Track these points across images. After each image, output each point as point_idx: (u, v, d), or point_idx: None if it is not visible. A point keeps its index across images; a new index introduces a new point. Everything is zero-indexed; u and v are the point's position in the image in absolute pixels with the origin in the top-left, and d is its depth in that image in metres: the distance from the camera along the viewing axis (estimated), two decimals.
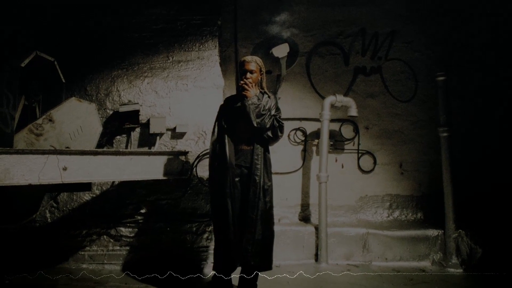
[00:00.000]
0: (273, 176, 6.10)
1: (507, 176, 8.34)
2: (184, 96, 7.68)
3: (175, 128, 7.53)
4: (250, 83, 5.79)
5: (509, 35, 8.62)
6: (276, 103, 6.01)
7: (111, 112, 7.63)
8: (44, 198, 7.37)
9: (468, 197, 8.07)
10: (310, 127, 8.59)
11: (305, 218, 8.42)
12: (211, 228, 7.28)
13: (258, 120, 5.65)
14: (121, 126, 7.52)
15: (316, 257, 7.62)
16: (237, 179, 5.78)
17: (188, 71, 7.77)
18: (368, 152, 8.67)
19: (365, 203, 8.60)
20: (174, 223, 7.38)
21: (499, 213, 8.01)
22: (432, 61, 8.74)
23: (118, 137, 7.60)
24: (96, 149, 6.44)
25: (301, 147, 8.59)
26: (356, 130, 8.66)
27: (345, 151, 8.65)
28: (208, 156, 6.46)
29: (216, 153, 5.85)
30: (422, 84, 8.78)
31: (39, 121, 6.01)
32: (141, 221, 7.41)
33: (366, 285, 6.49)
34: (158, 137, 7.49)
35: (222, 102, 6.42)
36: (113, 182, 7.47)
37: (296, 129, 8.55)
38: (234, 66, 8.54)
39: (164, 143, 7.57)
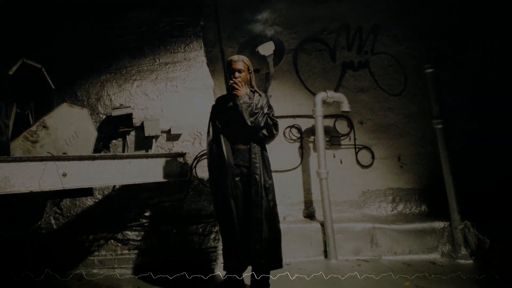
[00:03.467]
0: (273, 174, 6.34)
1: (507, 166, 8.57)
2: (175, 98, 7.94)
3: (169, 130, 7.75)
4: (240, 82, 6.05)
5: (491, 24, 8.88)
6: (268, 101, 6.28)
7: (104, 117, 7.85)
8: (47, 205, 7.53)
9: (471, 188, 8.31)
10: (304, 124, 8.89)
11: (309, 215, 8.69)
12: (217, 228, 7.49)
13: (251, 119, 5.92)
14: (116, 130, 7.74)
15: (325, 254, 7.85)
16: (237, 178, 6.03)
17: (177, 73, 8.05)
18: (365, 147, 8.98)
19: (368, 198, 8.87)
20: (180, 225, 7.57)
21: (502, 203, 8.17)
22: (419, 53, 9.13)
23: (114, 141, 7.81)
24: (94, 154, 6.64)
25: (297, 144, 8.88)
26: (351, 125, 8.99)
27: (342, 146, 8.94)
28: (206, 156, 6.70)
29: (213, 154, 6.09)
30: (411, 77, 9.16)
31: (34, 128, 6.18)
32: (147, 224, 7.61)
33: (379, 280, 6.65)
34: (154, 140, 7.74)
35: (213, 102, 6.73)
36: (114, 186, 7.68)
37: (291, 126, 8.84)
38: (221, 66, 8.86)
39: (160, 146, 7.80)
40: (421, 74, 8.47)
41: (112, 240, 7.50)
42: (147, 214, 7.63)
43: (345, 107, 8.40)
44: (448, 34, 9.10)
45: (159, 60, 8.06)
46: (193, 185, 7.69)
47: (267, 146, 6.26)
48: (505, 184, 8.46)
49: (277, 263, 5.99)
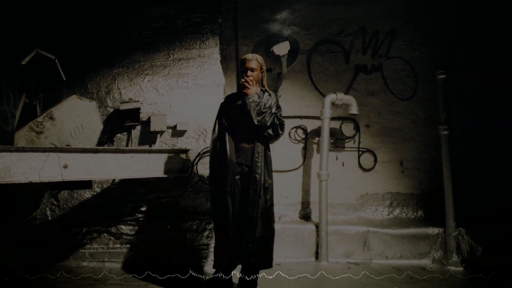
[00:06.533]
0: (274, 174, 6.13)
1: (507, 174, 8.35)
2: (184, 94, 7.71)
3: (175, 126, 7.55)
4: (251, 81, 5.81)
5: (507, 33, 8.61)
6: (277, 101, 6.04)
7: (111, 110, 7.68)
8: (44, 196, 7.40)
9: (469, 195, 8.06)
10: (310, 125, 8.60)
11: (305, 216, 8.45)
12: (211, 226, 7.30)
13: (258, 118, 5.68)
14: (121, 124, 7.57)
15: (317, 255, 7.64)
16: (237, 177, 5.81)
17: (189, 69, 7.79)
18: (368, 150, 8.67)
19: (366, 201, 8.61)
20: (175, 221, 7.39)
21: (499, 212, 7.98)
22: (432, 59, 8.72)
23: (118, 135, 7.64)
24: (97, 147, 6.47)
25: (301, 145, 8.60)
26: (357, 128, 8.67)
27: (345, 149, 8.65)
28: (208, 154, 6.52)
29: (216, 151, 5.87)
30: (422, 83, 8.78)
31: (40, 119, 6.02)
32: (142, 219, 7.44)
33: (366, 283, 6.49)
34: (158, 135, 7.52)
35: (222, 100, 6.44)
36: (114, 180, 7.49)
37: (297, 127, 8.56)
38: (235, 64, 8.56)
39: (164, 141, 7.60)
40: (432, 80, 8.15)
41: (105, 234, 7.33)
42: (143, 209, 7.44)
43: (354, 109, 8.10)
44: (462, 42, 8.69)
45: (173, 55, 7.81)
46: (192, 182, 7.48)
47: (270, 145, 6.03)
48: (504, 194, 8.19)
49: (267, 263, 5.84)
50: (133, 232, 7.36)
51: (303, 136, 8.59)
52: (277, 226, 6.25)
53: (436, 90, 7.98)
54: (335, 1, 8.71)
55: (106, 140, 7.59)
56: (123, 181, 7.45)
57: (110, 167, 6.11)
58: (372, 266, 7.42)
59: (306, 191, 8.55)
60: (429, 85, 8.59)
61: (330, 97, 8.06)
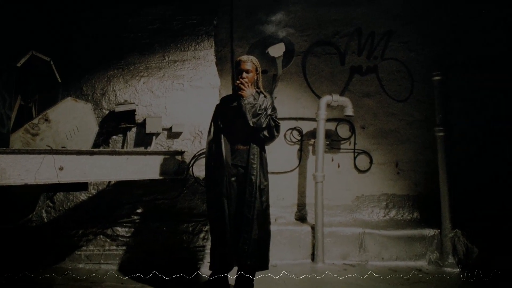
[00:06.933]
0: (269, 176, 6.11)
1: (507, 174, 8.35)
2: (180, 96, 7.70)
3: (171, 127, 7.54)
4: (246, 82, 5.79)
5: (507, 33, 8.60)
6: (272, 102, 6.02)
7: (107, 112, 7.66)
8: (40, 198, 7.36)
9: (469, 195, 8.14)
10: (306, 127, 8.57)
11: (301, 217, 8.42)
12: (207, 227, 7.28)
13: (254, 120, 5.67)
14: (117, 126, 7.55)
15: (313, 257, 7.61)
16: (233, 178, 5.80)
17: (184, 71, 7.79)
18: (364, 152, 8.64)
19: (362, 203, 8.58)
20: (171, 222, 7.36)
21: (499, 212, 7.98)
22: (429, 61, 8.68)
23: (114, 137, 7.63)
24: (92, 149, 6.44)
25: (297, 146, 8.57)
26: (352, 130, 8.63)
27: (341, 150, 8.62)
28: (204, 155, 6.47)
29: (212, 153, 5.86)
30: (418, 84, 8.75)
31: (35, 121, 6.00)
32: (138, 221, 7.41)
33: (363, 285, 6.47)
34: (154, 137, 7.50)
35: (218, 102, 6.45)
36: (109, 182, 7.47)
37: (292, 129, 8.53)
38: (230, 66, 8.52)
39: (160, 143, 7.58)
40: (428, 81, 8.12)
41: (101, 236, 7.28)
42: (139, 210, 7.42)
43: (349, 111, 8.09)
44: (462, 42, 8.67)
45: (168, 57, 7.80)
46: (188, 183, 7.47)
47: (266, 147, 6.01)
48: (504, 194, 8.18)
49: (264, 265, 5.81)
50: (129, 234, 7.32)
51: (299, 138, 8.57)
52: (273, 228, 6.20)
53: (433, 91, 7.97)
54: (330, 3, 8.69)
55: (101, 142, 7.58)
56: (119, 183, 7.43)
57: (106, 169, 6.10)
58: (368, 267, 7.38)
59: (302, 193, 8.52)
60: (425, 86, 8.57)
61: (326, 99, 8.03)
